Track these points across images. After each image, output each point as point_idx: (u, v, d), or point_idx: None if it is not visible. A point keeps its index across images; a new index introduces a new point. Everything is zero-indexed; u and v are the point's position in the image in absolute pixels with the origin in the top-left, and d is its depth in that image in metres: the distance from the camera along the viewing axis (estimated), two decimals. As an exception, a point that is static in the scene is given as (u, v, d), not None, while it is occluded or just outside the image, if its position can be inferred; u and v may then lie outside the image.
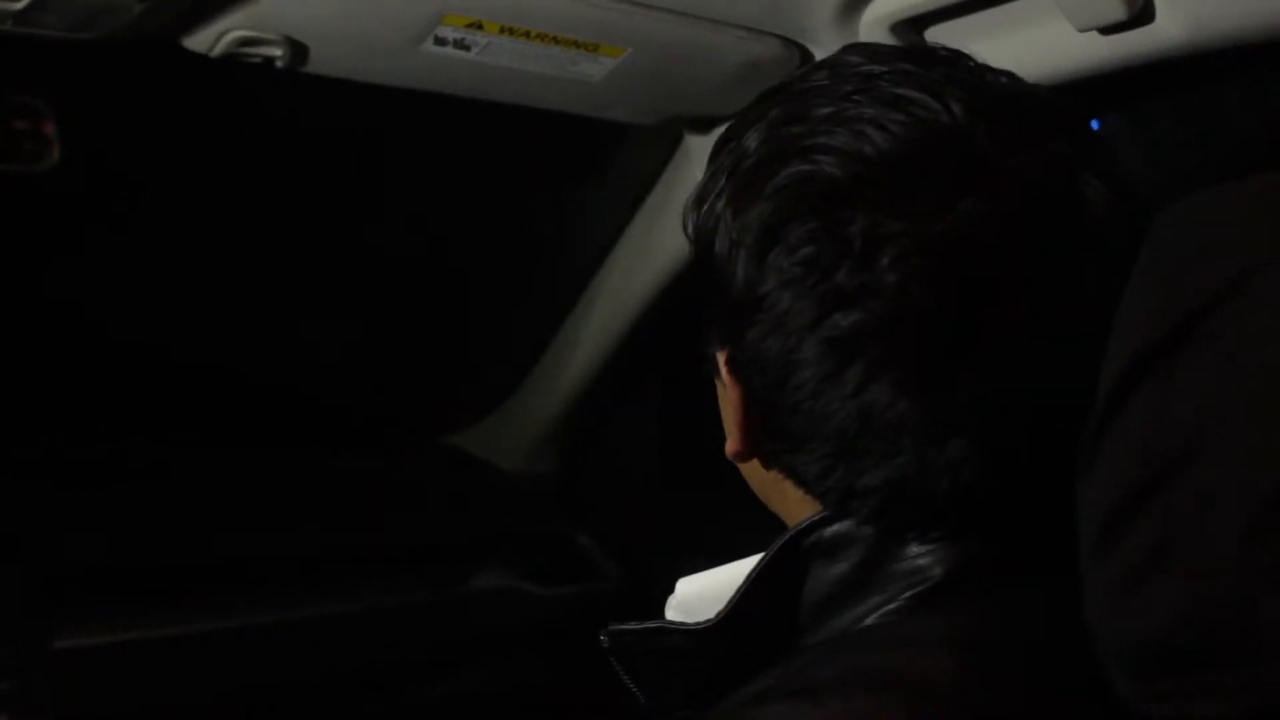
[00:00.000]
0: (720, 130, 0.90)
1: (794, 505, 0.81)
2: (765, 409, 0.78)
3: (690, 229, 0.83)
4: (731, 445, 0.82)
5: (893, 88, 0.76)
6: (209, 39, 1.17)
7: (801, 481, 0.79)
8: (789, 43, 1.35)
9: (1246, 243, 0.69)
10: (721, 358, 0.80)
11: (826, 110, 0.76)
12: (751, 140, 0.79)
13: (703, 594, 0.84)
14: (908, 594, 0.76)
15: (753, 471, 0.85)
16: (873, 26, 1.26)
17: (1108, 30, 1.13)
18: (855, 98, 0.76)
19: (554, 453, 2.03)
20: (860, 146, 0.74)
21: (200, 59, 1.20)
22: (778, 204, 0.75)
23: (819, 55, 1.35)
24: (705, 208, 0.81)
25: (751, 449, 0.81)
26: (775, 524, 0.84)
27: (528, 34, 1.25)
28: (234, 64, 1.21)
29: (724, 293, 0.78)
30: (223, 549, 1.69)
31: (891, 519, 0.76)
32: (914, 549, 0.76)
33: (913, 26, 1.27)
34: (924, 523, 0.76)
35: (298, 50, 1.21)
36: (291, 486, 1.81)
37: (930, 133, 0.74)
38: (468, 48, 1.25)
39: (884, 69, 0.78)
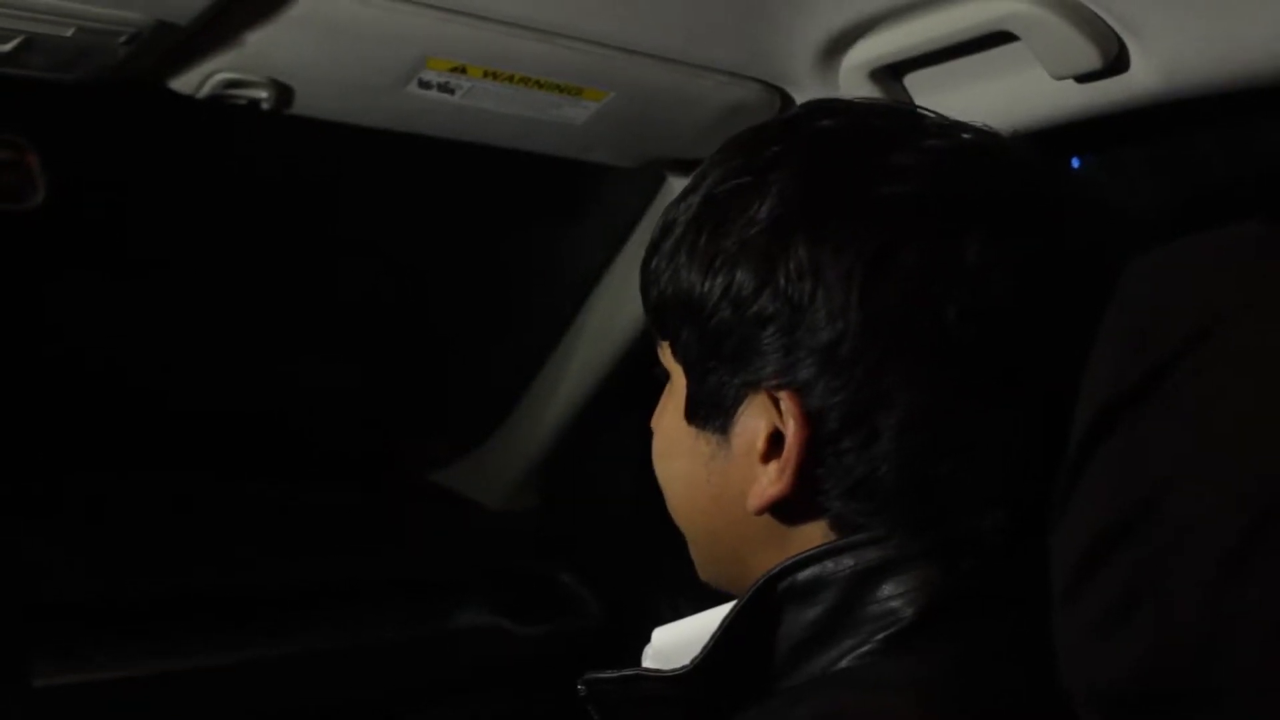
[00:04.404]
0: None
1: (768, 553, 0.80)
2: (830, 449, 0.77)
3: (702, 283, 0.80)
4: (774, 490, 0.78)
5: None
6: (194, 81, 1.18)
7: (834, 513, 0.78)
8: (770, 87, 1.36)
9: (1210, 296, 0.71)
10: (787, 405, 0.77)
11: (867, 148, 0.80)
12: (776, 190, 0.78)
13: (678, 642, 0.83)
14: (880, 636, 0.76)
15: (732, 526, 0.83)
16: (852, 73, 1.27)
17: (1083, 79, 1.14)
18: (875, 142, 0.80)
19: (535, 490, 2.03)
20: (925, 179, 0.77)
21: (185, 100, 1.21)
22: (877, 231, 0.75)
23: (799, 100, 1.36)
24: (719, 258, 0.79)
25: (800, 491, 0.78)
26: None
27: (511, 78, 1.26)
28: (219, 105, 1.22)
29: (789, 336, 0.76)
30: (202, 585, 1.69)
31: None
32: (886, 590, 0.76)
33: (891, 73, 1.28)
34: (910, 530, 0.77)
35: (283, 93, 1.23)
36: (272, 522, 1.81)
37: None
38: (452, 91, 1.26)
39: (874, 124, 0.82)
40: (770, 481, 0.78)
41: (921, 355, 0.75)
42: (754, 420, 0.79)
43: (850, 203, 0.77)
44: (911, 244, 0.75)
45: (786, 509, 0.79)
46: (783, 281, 0.76)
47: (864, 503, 0.77)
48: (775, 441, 0.78)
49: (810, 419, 0.76)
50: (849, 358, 0.75)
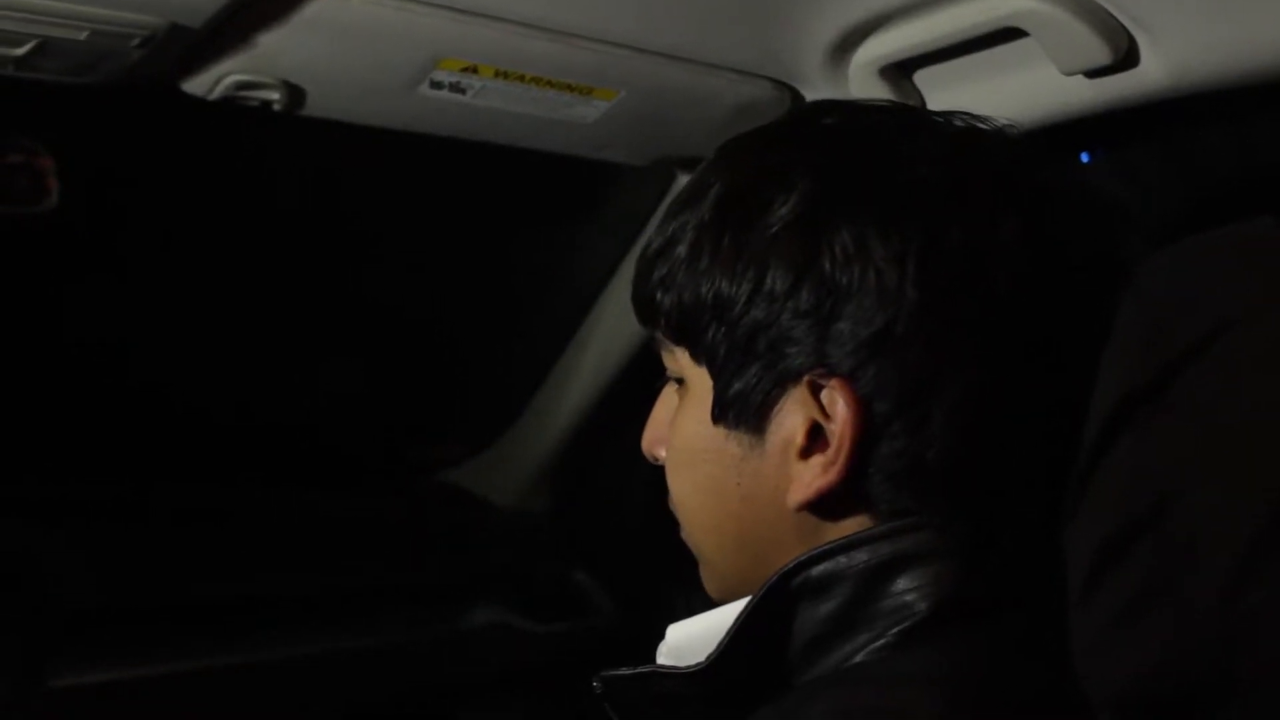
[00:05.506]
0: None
1: (797, 551, 0.79)
2: (881, 434, 0.76)
3: (729, 283, 0.80)
4: (822, 481, 0.77)
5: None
6: (207, 83, 1.19)
7: (875, 501, 0.78)
8: (780, 85, 1.36)
9: (1223, 294, 0.71)
10: (835, 393, 0.76)
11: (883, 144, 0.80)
12: (801, 186, 0.78)
13: (693, 638, 0.83)
14: (895, 630, 0.76)
15: (761, 528, 0.82)
16: (862, 70, 1.28)
17: (1093, 74, 1.15)
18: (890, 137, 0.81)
19: (549, 490, 2.03)
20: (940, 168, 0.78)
21: (198, 102, 1.21)
22: (919, 213, 0.76)
23: (809, 97, 1.37)
24: (745, 256, 0.79)
25: (845, 480, 0.77)
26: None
27: (522, 77, 1.26)
28: (231, 107, 1.22)
29: (831, 325, 0.76)
30: (217, 588, 1.69)
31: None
32: (900, 584, 0.76)
33: (901, 70, 1.28)
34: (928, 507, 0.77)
35: (295, 94, 1.23)
36: (286, 525, 1.81)
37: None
38: (463, 91, 1.26)
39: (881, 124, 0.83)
40: (816, 474, 0.78)
41: (974, 332, 0.75)
42: (791, 415, 0.79)
43: (884, 189, 0.77)
44: (954, 224, 0.76)
45: (826, 501, 0.79)
46: (828, 267, 0.76)
47: (909, 488, 0.77)
48: (814, 435, 0.78)
49: (860, 405, 0.76)
50: (902, 339, 0.75)
